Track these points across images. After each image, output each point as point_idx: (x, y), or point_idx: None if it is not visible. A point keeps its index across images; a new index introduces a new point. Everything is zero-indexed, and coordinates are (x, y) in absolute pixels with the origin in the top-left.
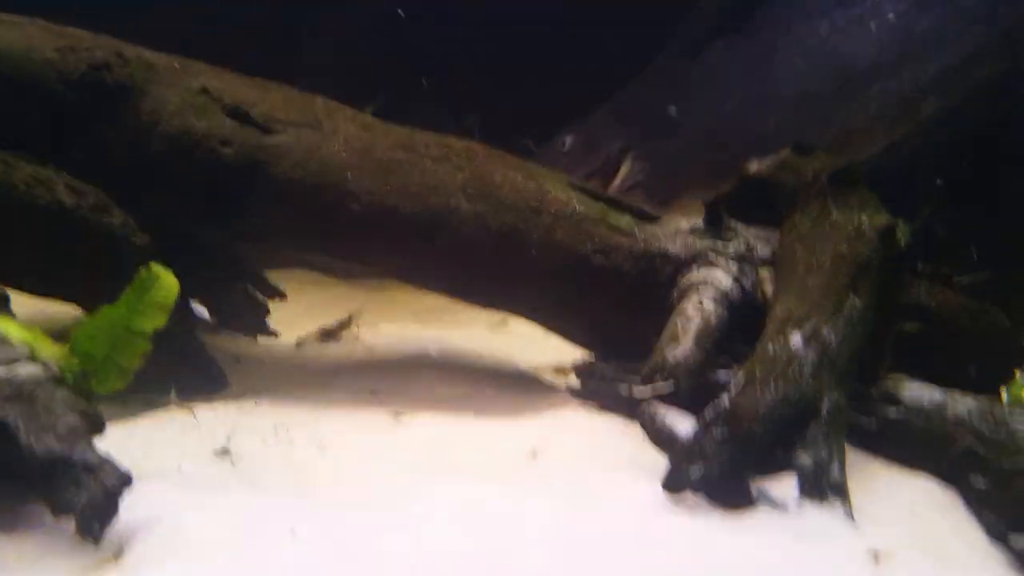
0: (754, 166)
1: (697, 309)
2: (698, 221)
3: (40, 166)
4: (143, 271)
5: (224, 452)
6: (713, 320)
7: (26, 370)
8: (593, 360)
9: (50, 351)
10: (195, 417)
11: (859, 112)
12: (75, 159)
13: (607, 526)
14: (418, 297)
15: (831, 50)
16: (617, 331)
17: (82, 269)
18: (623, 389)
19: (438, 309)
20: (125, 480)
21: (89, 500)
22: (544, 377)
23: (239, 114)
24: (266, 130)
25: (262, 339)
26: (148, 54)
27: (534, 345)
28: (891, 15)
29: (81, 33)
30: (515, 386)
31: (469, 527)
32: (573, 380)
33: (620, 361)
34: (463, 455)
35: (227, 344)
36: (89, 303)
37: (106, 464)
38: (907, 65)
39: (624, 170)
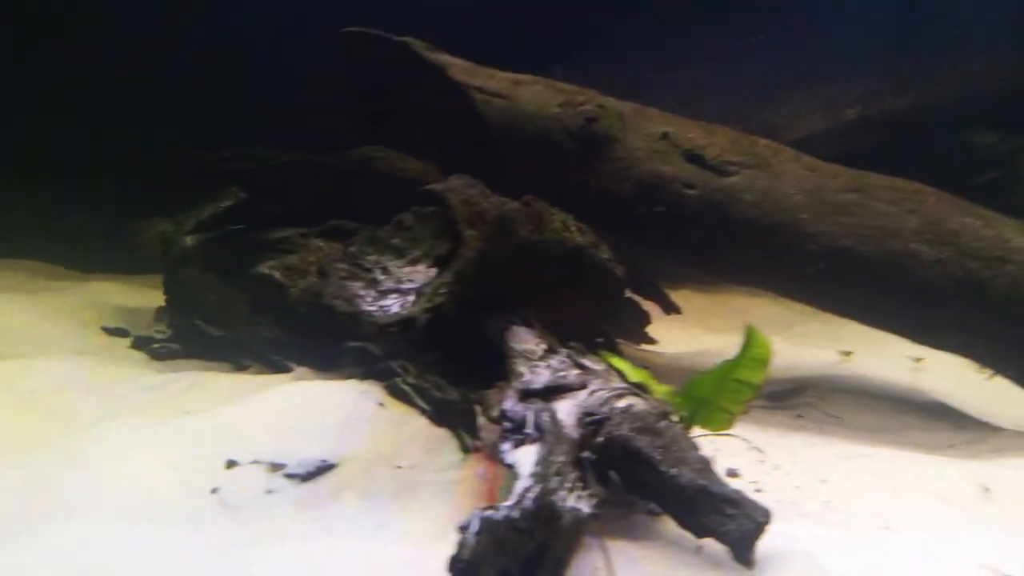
0: None
1: None
2: None
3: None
4: (748, 331)
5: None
6: None
7: (639, 405)
8: None
9: (659, 390)
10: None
11: (777, 111)
12: (565, 202)
13: None
14: (754, 304)
15: (782, 51)
16: None
17: (580, 295)
18: None
19: (779, 317)
20: (768, 515)
21: (740, 530)
22: (968, 412)
23: (695, 157)
24: (721, 172)
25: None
26: (616, 103)
27: (939, 376)
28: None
29: (571, 88)
30: (942, 419)
31: None
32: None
33: None
34: (940, 489)
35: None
36: (573, 325)
37: (746, 499)
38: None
39: None
